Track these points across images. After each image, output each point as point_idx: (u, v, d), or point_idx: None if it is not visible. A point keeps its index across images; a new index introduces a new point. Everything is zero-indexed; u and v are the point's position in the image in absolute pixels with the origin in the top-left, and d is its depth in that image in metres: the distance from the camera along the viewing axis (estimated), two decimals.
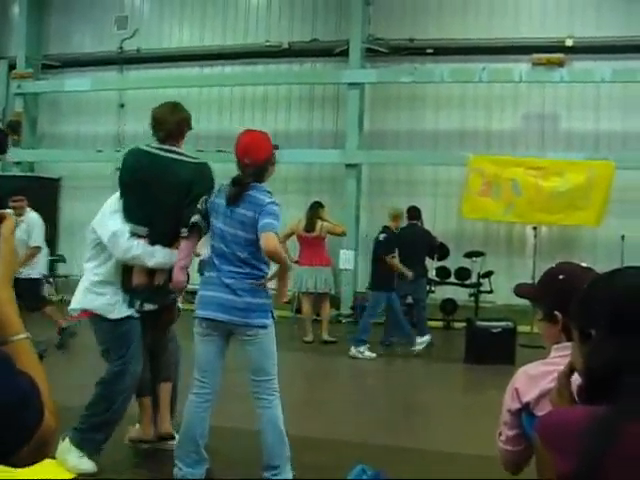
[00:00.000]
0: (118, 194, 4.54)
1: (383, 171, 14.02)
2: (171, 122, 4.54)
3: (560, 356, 2.28)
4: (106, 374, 4.48)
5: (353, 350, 9.29)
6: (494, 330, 9.03)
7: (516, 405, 2.33)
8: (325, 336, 10.33)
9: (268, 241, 3.97)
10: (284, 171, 14.07)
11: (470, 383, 8.30)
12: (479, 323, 9.26)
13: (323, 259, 10.56)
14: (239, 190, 4.14)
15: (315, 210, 10.64)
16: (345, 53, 13.71)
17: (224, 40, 14.86)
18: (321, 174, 14.22)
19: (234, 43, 14.74)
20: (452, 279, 12.40)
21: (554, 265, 2.46)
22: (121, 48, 15.38)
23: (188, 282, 4.46)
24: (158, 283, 4.45)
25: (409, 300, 10.46)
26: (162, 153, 4.47)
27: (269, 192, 4.22)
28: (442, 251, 11.44)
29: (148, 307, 4.53)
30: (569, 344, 2.26)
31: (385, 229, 9.77)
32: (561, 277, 2.31)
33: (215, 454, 4.45)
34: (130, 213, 4.44)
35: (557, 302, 2.23)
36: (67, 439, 4.35)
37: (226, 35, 14.90)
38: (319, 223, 10.38)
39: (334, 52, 14.08)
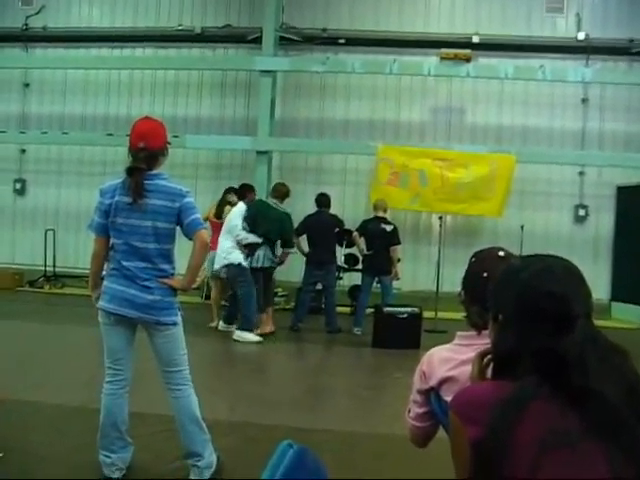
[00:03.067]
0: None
1: (293, 159, 14.13)
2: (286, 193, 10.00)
3: (460, 344, 2.49)
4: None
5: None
6: (401, 316, 9.35)
7: (424, 386, 2.52)
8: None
9: (202, 239, 4.12)
10: (195, 157, 14.03)
11: (378, 366, 8.54)
12: (386, 309, 9.54)
13: None
14: (139, 179, 4.04)
15: (223, 196, 10.65)
16: (258, 40, 13.69)
17: (135, 22, 14.59)
18: (232, 160, 14.21)
19: (146, 26, 14.50)
20: (360, 266, 12.64)
21: (474, 258, 2.53)
22: (26, 25, 14.83)
23: None
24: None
25: (319, 286, 10.68)
26: (273, 205, 9.80)
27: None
28: (350, 238, 11.65)
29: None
30: (471, 333, 2.47)
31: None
32: (485, 275, 2.35)
33: (138, 441, 4.48)
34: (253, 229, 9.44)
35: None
36: (239, 332, 9.24)
37: (138, 17, 14.63)
38: (227, 208, 10.32)
39: (247, 39, 14.08)
